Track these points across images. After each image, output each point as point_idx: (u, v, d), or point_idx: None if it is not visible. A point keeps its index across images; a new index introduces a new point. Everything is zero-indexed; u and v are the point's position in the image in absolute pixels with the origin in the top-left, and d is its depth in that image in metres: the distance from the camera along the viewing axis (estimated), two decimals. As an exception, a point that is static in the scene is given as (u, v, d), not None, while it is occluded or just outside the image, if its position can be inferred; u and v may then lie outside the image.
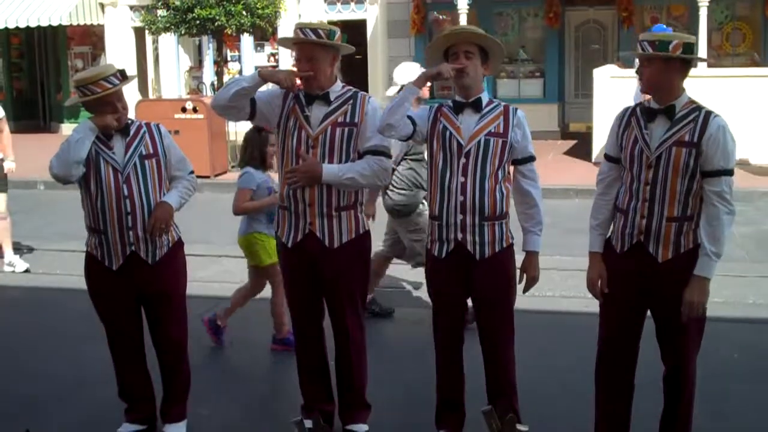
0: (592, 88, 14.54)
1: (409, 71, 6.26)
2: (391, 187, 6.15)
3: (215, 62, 17.38)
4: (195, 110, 13.89)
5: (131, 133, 4.40)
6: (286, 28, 16.90)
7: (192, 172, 4.65)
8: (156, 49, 20.37)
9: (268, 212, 5.63)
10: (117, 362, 4.62)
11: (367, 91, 4.55)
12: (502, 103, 4.28)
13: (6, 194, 8.59)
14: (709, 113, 3.81)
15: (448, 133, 4.18)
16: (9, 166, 8.62)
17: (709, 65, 14.45)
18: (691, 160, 3.76)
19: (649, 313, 4.04)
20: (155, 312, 4.55)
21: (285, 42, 4.57)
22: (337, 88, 4.39)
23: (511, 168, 4.29)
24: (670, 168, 3.80)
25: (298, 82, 4.36)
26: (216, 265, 8.69)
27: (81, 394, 5.35)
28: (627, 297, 3.99)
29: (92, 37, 21.39)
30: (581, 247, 4.14)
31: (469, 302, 4.39)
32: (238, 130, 14.35)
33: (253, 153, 5.78)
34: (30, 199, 8.87)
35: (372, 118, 4.32)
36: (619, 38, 17.72)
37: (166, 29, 15.47)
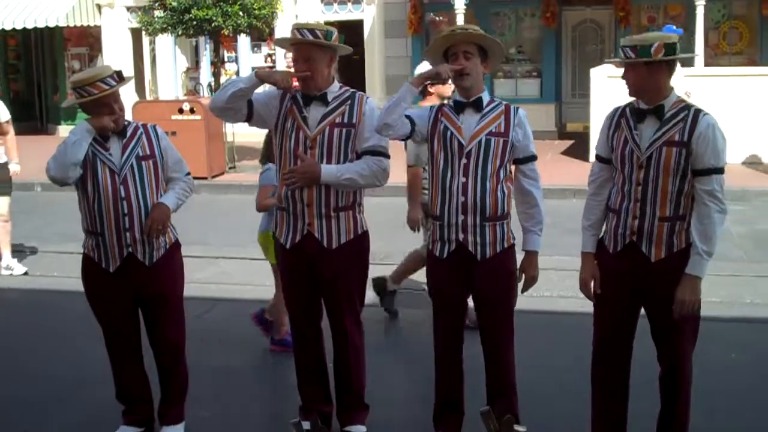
0: (590, 87, 14.55)
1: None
2: (426, 186, 6.13)
3: (212, 63, 17.41)
4: (192, 111, 13.88)
5: (128, 134, 4.39)
6: (283, 29, 16.91)
7: (189, 174, 4.64)
8: (153, 50, 20.37)
9: None
10: (114, 364, 4.62)
11: (364, 91, 4.54)
12: (504, 102, 4.27)
13: (9, 197, 8.59)
14: (698, 112, 3.81)
15: (449, 133, 4.18)
16: (14, 168, 8.62)
17: (707, 64, 14.47)
18: (682, 159, 3.77)
19: (644, 313, 4.05)
20: (152, 313, 4.54)
21: (282, 43, 4.57)
22: (335, 88, 4.39)
23: (513, 167, 4.29)
24: (661, 168, 3.80)
25: (296, 83, 4.36)
26: (213, 267, 8.69)
27: (80, 394, 5.35)
28: (620, 297, 4.00)
29: (89, 39, 21.37)
30: (579, 247, 4.15)
31: (470, 303, 4.39)
32: (236, 131, 14.38)
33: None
34: (27, 200, 8.88)
35: (370, 118, 4.32)
36: (616, 38, 17.71)
37: (163, 30, 15.45)
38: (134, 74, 18.95)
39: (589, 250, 4.12)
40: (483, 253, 4.18)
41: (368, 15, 19.01)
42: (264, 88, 4.41)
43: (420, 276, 7.10)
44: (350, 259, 4.41)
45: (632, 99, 3.97)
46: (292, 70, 4.39)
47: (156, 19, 15.54)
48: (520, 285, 4.34)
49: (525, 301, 4.62)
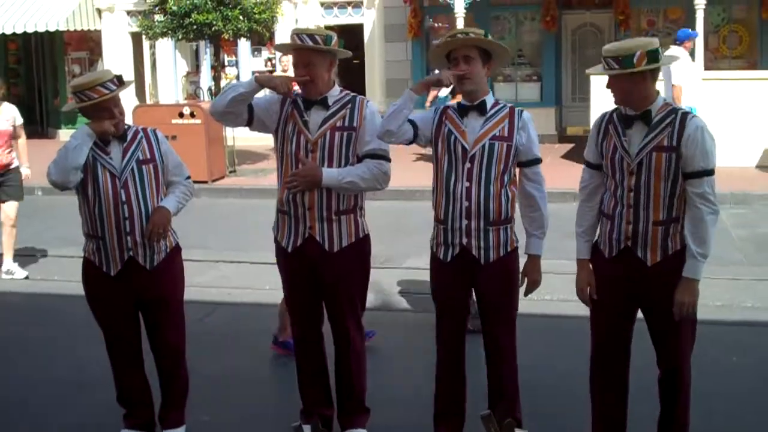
0: (590, 91, 14.55)
1: None
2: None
3: (212, 67, 17.40)
4: (192, 115, 13.88)
5: (128, 138, 4.40)
6: (283, 33, 16.92)
7: (189, 178, 4.65)
8: (153, 54, 20.38)
9: None
10: (115, 367, 4.62)
11: (364, 95, 4.55)
12: (508, 105, 4.27)
13: (19, 202, 8.60)
14: (685, 115, 3.82)
15: (453, 137, 4.18)
16: (25, 172, 8.67)
17: (707, 68, 14.47)
18: (672, 163, 3.77)
19: (643, 317, 4.05)
20: (153, 317, 4.55)
21: (282, 48, 4.57)
22: (335, 92, 4.39)
23: (518, 170, 4.29)
24: (652, 173, 3.80)
25: (297, 89, 4.36)
26: (213, 271, 8.69)
27: (81, 398, 5.35)
28: (615, 303, 4.01)
29: (89, 43, 21.39)
30: (580, 250, 4.15)
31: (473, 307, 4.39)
32: (236, 135, 14.38)
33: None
34: (28, 204, 8.88)
35: (370, 122, 4.33)
36: (616, 42, 17.71)
37: (163, 34, 15.47)
38: (134, 78, 18.97)
39: (584, 256, 4.12)
40: (486, 257, 4.18)
41: (368, 19, 19.03)
42: (265, 93, 4.42)
43: (424, 278, 7.10)
44: (352, 262, 4.41)
45: (614, 108, 3.99)
46: (285, 73, 4.39)
47: (156, 23, 15.55)
48: (523, 288, 4.35)
49: (527, 304, 4.62)
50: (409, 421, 4.86)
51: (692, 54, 12.75)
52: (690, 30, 12.40)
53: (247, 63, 19.68)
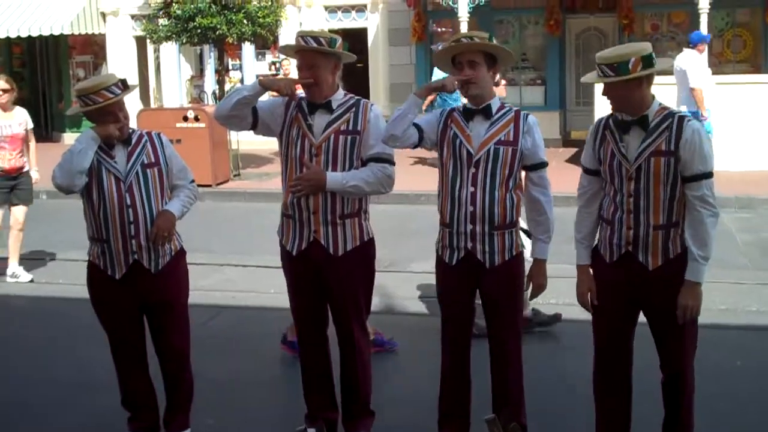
0: (594, 95, 14.53)
1: None
2: None
3: (216, 71, 17.41)
4: (197, 119, 13.90)
5: (133, 142, 4.41)
6: (287, 37, 16.93)
7: (193, 181, 4.66)
8: (157, 58, 20.40)
9: None
10: (120, 370, 4.62)
11: (368, 99, 4.55)
12: (514, 109, 4.27)
13: (28, 206, 8.62)
14: (682, 118, 3.82)
15: (458, 141, 4.18)
16: (35, 176, 8.70)
17: (711, 72, 14.45)
18: (671, 167, 3.77)
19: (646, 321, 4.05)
20: (158, 321, 4.55)
21: (286, 50, 4.58)
22: (339, 96, 4.40)
23: (523, 174, 4.29)
24: (651, 178, 3.80)
25: (300, 92, 4.37)
26: (218, 274, 8.69)
27: (85, 401, 5.35)
28: (616, 307, 4.01)
29: (94, 47, 21.42)
30: (584, 254, 4.15)
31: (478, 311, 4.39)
32: (240, 139, 14.40)
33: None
34: (33, 208, 8.89)
35: (375, 125, 4.33)
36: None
37: (168, 38, 15.49)
38: (139, 82, 19.02)
39: (584, 262, 4.12)
40: (491, 261, 4.19)
41: (372, 23, 19.05)
42: (269, 96, 4.42)
43: (428, 281, 7.10)
44: (356, 266, 4.41)
45: (610, 114, 3.98)
46: (282, 75, 4.40)
47: (160, 27, 15.58)
48: (528, 292, 4.35)
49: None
50: (413, 423, 4.86)
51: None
52: (702, 32, 12.37)
53: (251, 67, 19.69)
